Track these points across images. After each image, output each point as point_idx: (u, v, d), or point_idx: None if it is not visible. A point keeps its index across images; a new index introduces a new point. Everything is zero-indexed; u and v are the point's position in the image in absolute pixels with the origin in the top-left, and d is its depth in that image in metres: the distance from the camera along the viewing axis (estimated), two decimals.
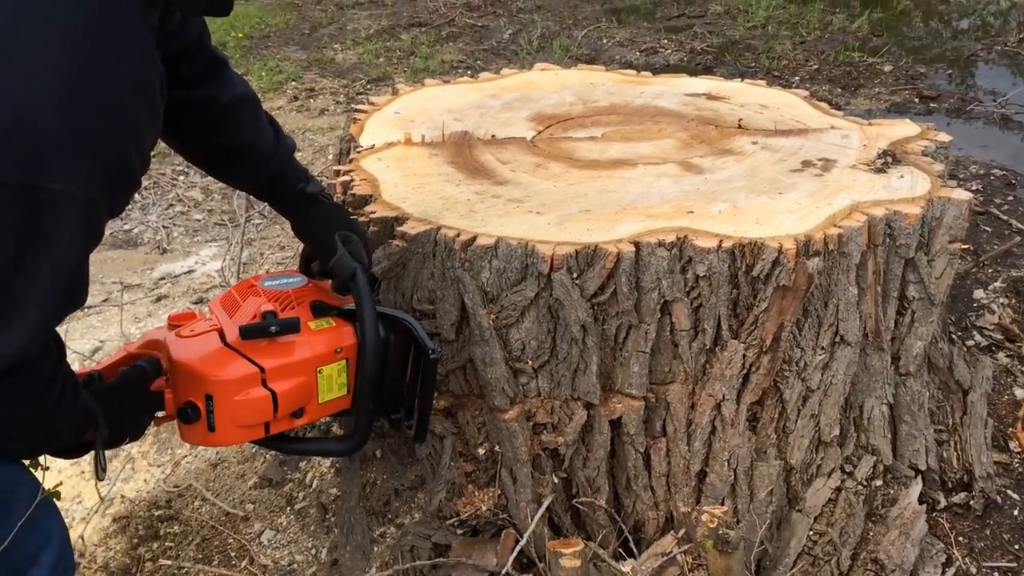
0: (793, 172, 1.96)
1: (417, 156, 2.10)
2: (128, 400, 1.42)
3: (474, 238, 1.70)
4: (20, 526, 1.25)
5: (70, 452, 1.36)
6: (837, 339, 1.75)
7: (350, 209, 1.90)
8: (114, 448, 1.47)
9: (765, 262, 1.63)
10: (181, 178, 4.82)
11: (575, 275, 1.65)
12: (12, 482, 1.26)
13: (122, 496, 2.12)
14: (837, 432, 1.78)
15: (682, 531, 1.74)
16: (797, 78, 5.44)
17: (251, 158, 1.62)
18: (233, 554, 1.83)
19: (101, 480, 1.46)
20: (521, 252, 1.66)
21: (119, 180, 1.10)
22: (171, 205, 4.57)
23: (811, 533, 1.80)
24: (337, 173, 2.01)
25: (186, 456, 2.21)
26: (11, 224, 1.00)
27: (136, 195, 4.61)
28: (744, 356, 1.69)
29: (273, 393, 1.48)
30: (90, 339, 3.08)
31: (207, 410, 1.46)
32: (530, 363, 1.71)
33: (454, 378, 1.76)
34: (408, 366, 1.63)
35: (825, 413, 1.77)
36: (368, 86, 6.01)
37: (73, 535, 2.06)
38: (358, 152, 2.13)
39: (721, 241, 1.64)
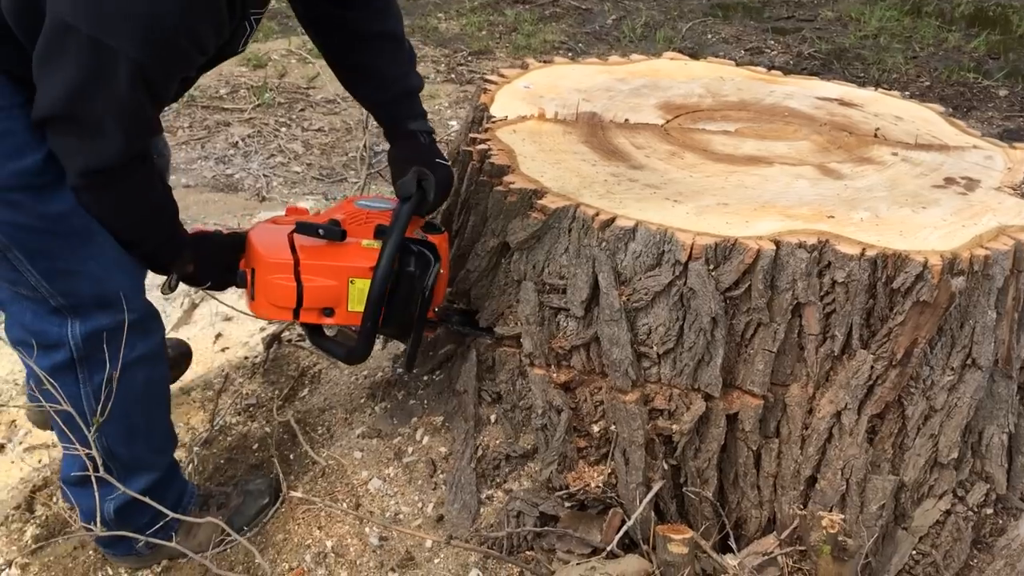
0: (936, 188, 1.93)
1: (551, 132, 2.12)
2: (214, 250, 1.76)
3: (613, 219, 1.71)
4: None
5: (159, 268, 1.71)
6: (968, 361, 1.72)
7: (485, 177, 1.93)
8: (197, 287, 1.80)
9: (908, 275, 1.62)
10: (283, 129, 4.93)
11: (712, 267, 1.66)
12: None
13: (229, 428, 2.20)
14: (955, 455, 1.76)
15: (785, 533, 1.74)
16: (907, 93, 5.29)
17: (371, 84, 1.88)
18: (341, 497, 1.89)
19: (165, 295, 1.78)
20: (659, 238, 1.67)
21: (168, 56, 1.40)
22: (272, 155, 4.67)
23: (914, 552, 1.78)
24: (473, 141, 2.04)
25: (296, 400, 2.28)
26: (84, 60, 1.33)
27: (239, 142, 4.74)
28: (872, 367, 1.68)
29: (300, 284, 1.71)
30: None
31: (251, 281, 1.74)
32: (655, 348, 1.72)
33: (577, 355, 1.78)
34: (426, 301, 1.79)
35: (945, 435, 1.75)
36: (469, 58, 6.05)
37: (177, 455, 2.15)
38: (492, 123, 2.15)
39: (864, 249, 1.63)
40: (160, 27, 1.34)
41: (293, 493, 1.77)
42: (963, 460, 1.81)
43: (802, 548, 1.73)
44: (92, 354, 1.60)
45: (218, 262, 1.77)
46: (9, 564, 1.97)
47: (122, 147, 1.44)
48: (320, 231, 1.73)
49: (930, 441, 1.75)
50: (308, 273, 1.72)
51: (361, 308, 1.74)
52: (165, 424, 1.85)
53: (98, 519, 1.61)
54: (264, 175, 4.47)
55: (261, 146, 4.74)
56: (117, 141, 1.43)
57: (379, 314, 1.73)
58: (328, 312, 1.76)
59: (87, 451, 1.60)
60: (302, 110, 5.17)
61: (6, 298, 1.61)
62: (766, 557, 1.71)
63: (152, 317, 1.71)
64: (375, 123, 2.01)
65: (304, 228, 1.74)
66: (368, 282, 1.72)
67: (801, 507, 1.77)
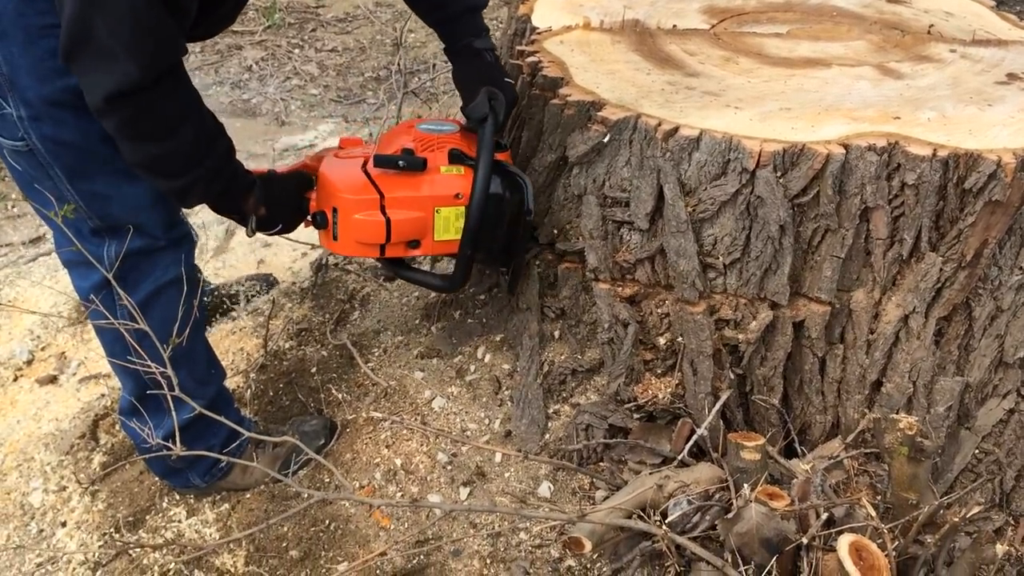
0: (999, 84, 1.88)
1: (600, 42, 2.06)
2: (283, 192, 1.69)
3: (676, 129, 1.68)
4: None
5: (229, 212, 1.64)
6: None
7: (538, 91, 1.88)
8: (268, 232, 1.70)
9: (980, 175, 1.59)
10: (296, 51, 4.81)
11: (780, 174, 1.63)
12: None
13: (284, 353, 2.21)
14: (1021, 354, 1.76)
15: (850, 436, 1.76)
16: None
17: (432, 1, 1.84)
18: (406, 416, 1.91)
19: (250, 237, 1.70)
20: (725, 146, 1.64)
21: None
22: (288, 78, 4.58)
23: (977, 451, 1.81)
24: (521, 54, 1.98)
25: (348, 324, 2.28)
26: None
27: (253, 65, 4.63)
28: (941, 270, 1.67)
29: (388, 219, 1.67)
30: None
31: (333, 221, 1.69)
32: (720, 259, 1.71)
33: (641, 268, 1.77)
34: (519, 224, 1.77)
35: (1012, 334, 1.75)
36: None
37: (234, 381, 2.17)
38: (538, 34, 2.09)
39: (936, 150, 1.60)
40: None
41: (374, 414, 1.79)
42: None
43: (867, 451, 1.76)
44: (126, 275, 1.63)
45: (288, 202, 1.71)
46: (82, 491, 2.01)
47: (140, 66, 1.32)
48: (401, 163, 1.68)
49: (996, 341, 1.76)
50: (394, 207, 1.68)
51: (447, 237, 1.72)
52: (206, 352, 1.86)
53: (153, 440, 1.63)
54: (281, 99, 4.39)
55: (276, 69, 4.64)
56: (134, 61, 1.32)
57: (477, 241, 1.70)
58: (414, 244, 1.73)
59: (153, 371, 1.60)
60: (313, 30, 5.05)
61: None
62: (832, 460, 1.74)
63: (186, 240, 1.72)
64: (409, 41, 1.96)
65: (382, 161, 1.69)
66: (453, 209, 1.71)
67: (866, 411, 1.79)
